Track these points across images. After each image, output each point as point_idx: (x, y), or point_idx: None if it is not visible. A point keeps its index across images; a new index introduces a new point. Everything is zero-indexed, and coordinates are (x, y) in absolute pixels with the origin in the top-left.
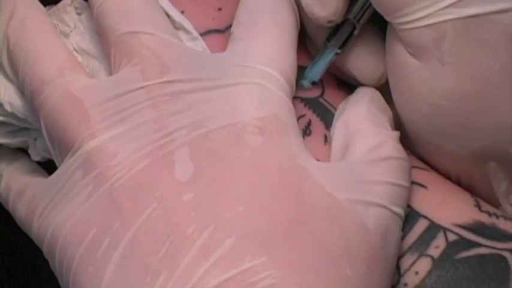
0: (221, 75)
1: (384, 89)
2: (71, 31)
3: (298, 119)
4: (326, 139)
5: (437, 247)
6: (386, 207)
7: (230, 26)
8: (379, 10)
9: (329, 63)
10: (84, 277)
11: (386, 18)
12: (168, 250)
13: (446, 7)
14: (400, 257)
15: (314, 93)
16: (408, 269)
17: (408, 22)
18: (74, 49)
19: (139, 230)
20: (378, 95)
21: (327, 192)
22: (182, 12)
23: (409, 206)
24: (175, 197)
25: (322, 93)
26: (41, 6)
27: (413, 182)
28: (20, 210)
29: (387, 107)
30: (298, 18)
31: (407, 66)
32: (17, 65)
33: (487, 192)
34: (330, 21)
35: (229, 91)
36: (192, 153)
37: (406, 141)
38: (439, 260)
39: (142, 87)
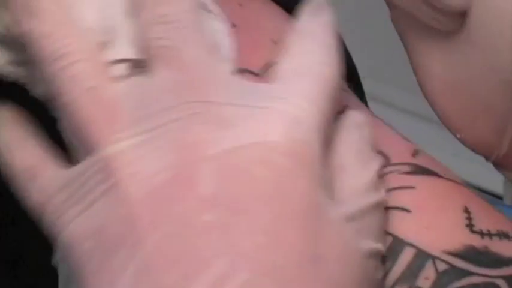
0: (255, 97)
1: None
2: None
3: None
4: None
5: (427, 278)
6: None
7: None
8: None
9: None
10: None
11: None
12: (181, 273)
13: None
14: None
15: None
16: None
17: None
18: None
19: (155, 247)
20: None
21: (345, 232)
22: None
23: (392, 234)
24: (194, 216)
25: None
26: None
27: (394, 207)
28: (32, 195)
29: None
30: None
31: None
32: None
33: None
34: None
35: (262, 112)
36: (217, 168)
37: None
38: None
39: (175, 97)
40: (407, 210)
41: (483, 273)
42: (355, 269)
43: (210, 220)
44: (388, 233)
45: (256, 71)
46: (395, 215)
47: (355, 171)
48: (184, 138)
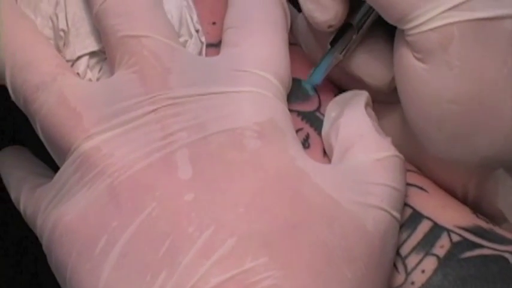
0: (219, 80)
1: (391, 97)
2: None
3: (296, 133)
4: (325, 152)
5: (442, 247)
6: (386, 211)
7: None
8: (385, 18)
9: (330, 67)
10: (81, 274)
11: (394, 24)
12: (168, 249)
13: (450, 9)
14: (406, 257)
15: (311, 106)
16: (415, 268)
17: (415, 27)
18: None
19: (139, 229)
20: (370, 99)
21: (326, 193)
22: None
23: (411, 207)
24: (175, 197)
25: (319, 106)
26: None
27: (413, 185)
28: (28, 209)
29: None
30: (289, 15)
31: (415, 71)
32: (2, 68)
33: (495, 207)
34: (330, 26)
35: (227, 97)
36: (192, 155)
37: (412, 154)
38: (445, 259)
39: (142, 90)
40: (426, 191)
41: (492, 247)
42: (347, 227)
43: (192, 200)
44: (407, 205)
45: (216, 42)
46: (415, 192)
47: (373, 137)
48: (155, 131)
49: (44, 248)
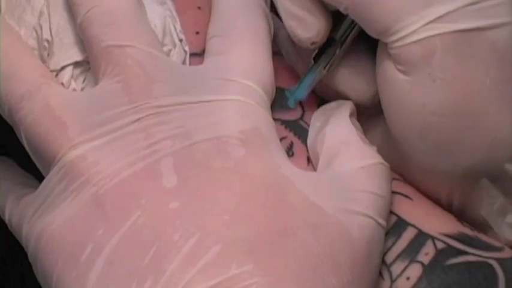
0: (203, 89)
1: (374, 109)
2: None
3: (280, 141)
4: (309, 160)
5: (426, 254)
6: (371, 217)
7: None
8: (368, 31)
9: (314, 82)
10: (67, 282)
11: (377, 38)
12: (153, 257)
13: (433, 21)
14: (391, 264)
15: (294, 115)
16: (400, 275)
17: (398, 40)
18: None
19: (125, 237)
20: (354, 108)
21: (311, 201)
22: None
23: (396, 214)
24: (160, 205)
25: (302, 115)
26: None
27: (398, 193)
28: (14, 218)
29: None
30: (272, 25)
31: (398, 84)
32: None
33: (480, 215)
34: (313, 43)
35: (211, 105)
36: (177, 163)
37: (397, 165)
38: (429, 266)
39: (126, 99)
40: (410, 198)
41: (477, 253)
42: (332, 234)
43: (177, 208)
44: (392, 213)
45: (200, 52)
46: (399, 200)
47: (358, 145)
48: (140, 140)
49: (29, 257)
